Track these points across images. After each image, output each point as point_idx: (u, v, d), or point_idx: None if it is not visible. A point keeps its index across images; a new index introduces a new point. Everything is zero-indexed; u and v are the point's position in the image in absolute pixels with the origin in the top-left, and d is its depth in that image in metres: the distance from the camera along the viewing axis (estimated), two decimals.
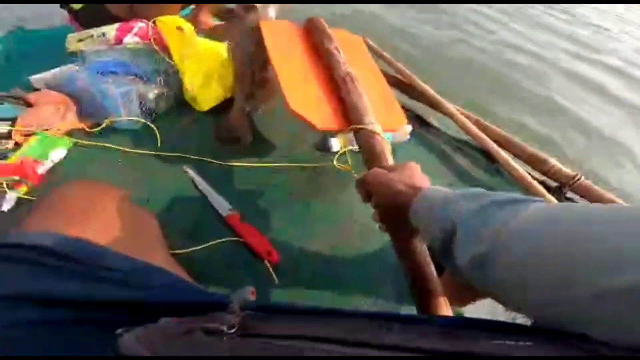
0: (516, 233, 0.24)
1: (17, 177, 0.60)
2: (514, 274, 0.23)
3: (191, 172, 0.67)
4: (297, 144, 0.79)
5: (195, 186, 0.65)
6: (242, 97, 0.74)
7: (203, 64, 0.81)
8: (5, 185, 0.58)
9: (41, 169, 0.62)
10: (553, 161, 0.83)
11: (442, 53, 1.36)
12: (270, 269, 0.56)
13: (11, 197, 0.58)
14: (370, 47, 0.93)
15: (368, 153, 0.54)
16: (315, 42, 0.70)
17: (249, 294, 0.29)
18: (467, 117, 0.90)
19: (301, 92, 0.61)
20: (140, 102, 0.77)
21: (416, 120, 0.94)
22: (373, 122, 0.58)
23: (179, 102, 0.82)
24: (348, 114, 0.59)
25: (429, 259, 0.43)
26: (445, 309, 0.40)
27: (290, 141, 0.79)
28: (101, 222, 0.36)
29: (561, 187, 0.83)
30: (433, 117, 0.95)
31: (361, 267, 0.60)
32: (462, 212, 0.30)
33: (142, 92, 0.77)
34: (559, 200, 0.78)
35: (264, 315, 0.26)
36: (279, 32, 0.71)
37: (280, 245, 0.59)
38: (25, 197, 0.59)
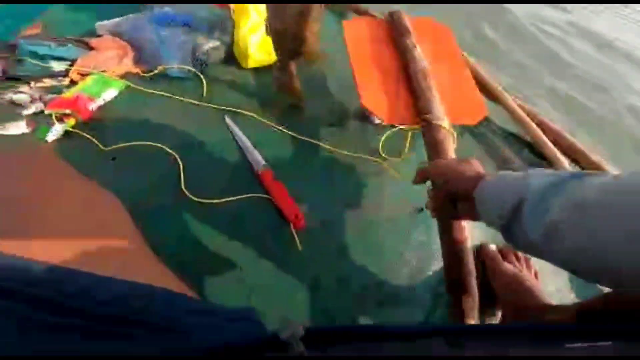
0: (594, 202, 0.25)
1: (68, 111, 0.61)
2: (595, 241, 0.24)
3: (231, 124, 0.64)
4: (340, 110, 0.72)
5: (233, 138, 0.62)
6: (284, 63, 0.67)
7: (259, 24, 0.77)
8: (54, 118, 0.60)
9: (92, 106, 0.63)
10: (602, 163, 0.68)
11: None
12: (295, 235, 0.51)
13: (57, 129, 0.59)
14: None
15: (432, 146, 0.54)
16: (395, 37, 0.70)
17: (301, 329, 0.26)
18: (521, 108, 0.76)
19: (374, 87, 0.62)
20: (194, 53, 0.75)
21: None
22: (441, 117, 0.56)
23: (228, 56, 0.79)
24: (418, 108, 0.59)
25: (470, 255, 0.47)
26: (471, 300, 0.45)
27: (333, 107, 0.72)
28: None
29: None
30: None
31: (387, 249, 0.53)
32: (532, 186, 0.31)
33: (197, 43, 0.76)
34: None
35: (324, 352, 0.25)
36: (360, 30, 0.72)
37: (308, 213, 0.53)
38: (73, 130, 0.60)
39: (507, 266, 0.54)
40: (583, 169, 0.71)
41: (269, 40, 0.76)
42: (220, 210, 0.52)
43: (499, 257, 0.56)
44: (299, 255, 0.50)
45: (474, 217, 0.41)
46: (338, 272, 0.49)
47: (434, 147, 0.54)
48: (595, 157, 0.70)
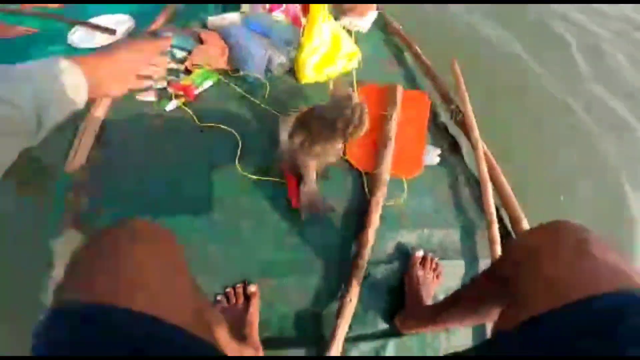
0: None
1: (181, 93, 0.95)
2: None
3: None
4: None
5: (279, 133, 0.93)
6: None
7: (318, 48, 1.03)
8: (173, 95, 0.95)
9: (196, 92, 0.97)
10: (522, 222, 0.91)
11: None
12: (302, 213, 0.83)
13: (174, 103, 0.94)
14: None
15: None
16: (384, 105, 1.02)
17: None
18: (486, 154, 0.99)
19: (357, 143, 0.92)
20: (268, 64, 1.05)
21: (451, 146, 1.06)
22: (384, 171, 0.89)
23: (290, 69, 1.08)
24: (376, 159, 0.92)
25: None
26: None
27: None
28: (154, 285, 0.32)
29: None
30: (467, 147, 1.04)
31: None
32: None
33: (272, 57, 1.05)
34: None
35: None
36: (369, 93, 1.04)
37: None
38: (182, 106, 0.94)
39: (418, 270, 0.82)
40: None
41: (322, 62, 1.04)
42: (257, 183, 0.85)
43: (419, 261, 0.84)
44: (300, 222, 0.82)
45: None
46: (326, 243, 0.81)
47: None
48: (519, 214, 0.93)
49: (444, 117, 1.14)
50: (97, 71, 0.45)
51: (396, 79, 1.16)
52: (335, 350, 0.72)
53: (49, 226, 0.76)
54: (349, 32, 1.22)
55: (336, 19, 1.18)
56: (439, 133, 1.09)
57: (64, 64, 0.41)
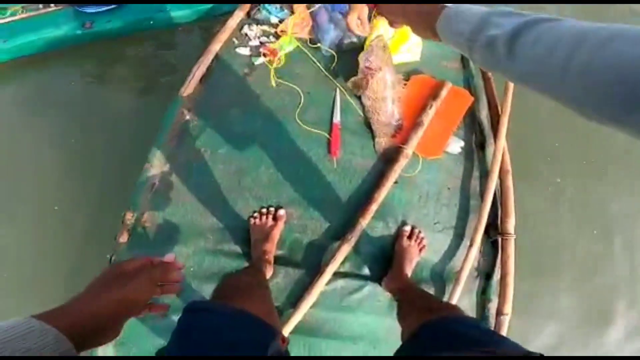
0: (562, 44, 0.33)
1: (268, 52, 1.22)
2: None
3: (338, 94, 1.17)
4: None
5: (334, 99, 1.17)
6: None
7: (388, 35, 1.22)
8: (262, 53, 1.22)
9: (279, 55, 1.23)
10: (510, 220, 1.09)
11: None
12: (335, 162, 1.08)
13: (261, 60, 1.21)
14: None
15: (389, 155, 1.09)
16: (430, 96, 1.19)
17: (281, 342, 0.33)
18: (504, 155, 1.14)
19: None
20: (340, 41, 1.26)
21: (480, 143, 1.20)
22: (410, 147, 1.11)
23: (359, 49, 1.28)
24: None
25: None
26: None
27: None
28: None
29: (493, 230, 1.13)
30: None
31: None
32: (505, 26, 0.38)
33: (345, 36, 1.26)
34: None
35: None
36: (417, 84, 1.20)
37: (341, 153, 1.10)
38: (267, 64, 1.21)
39: (405, 242, 1.05)
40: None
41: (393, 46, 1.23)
42: (308, 134, 1.12)
43: (406, 234, 1.06)
44: (331, 170, 1.08)
45: (431, 36, 0.49)
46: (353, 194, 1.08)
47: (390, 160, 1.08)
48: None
49: (482, 115, 1.27)
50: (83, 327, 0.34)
51: (451, 76, 1.27)
52: (326, 276, 0.98)
53: (158, 131, 1.10)
54: None
55: None
56: (472, 128, 1.24)
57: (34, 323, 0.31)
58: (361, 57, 1.14)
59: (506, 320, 1.09)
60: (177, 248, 1.02)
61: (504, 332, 1.10)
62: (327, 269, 1.00)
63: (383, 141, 1.14)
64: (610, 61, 0.30)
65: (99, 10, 1.43)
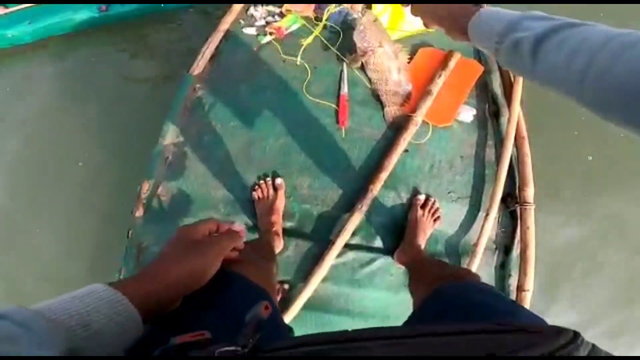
0: (587, 49, 0.33)
1: (274, 31, 1.23)
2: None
3: (345, 67, 1.16)
4: None
5: (341, 72, 1.16)
6: None
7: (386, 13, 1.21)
8: (268, 32, 1.23)
9: (285, 32, 1.24)
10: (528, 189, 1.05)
11: None
12: (343, 132, 1.07)
13: (268, 38, 1.22)
14: None
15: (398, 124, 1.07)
16: (437, 66, 1.16)
17: (262, 309, 0.30)
18: (519, 122, 1.10)
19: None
20: (344, 17, 1.26)
21: (494, 111, 1.16)
22: (420, 113, 1.09)
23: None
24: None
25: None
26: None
27: None
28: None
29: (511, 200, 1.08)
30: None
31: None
32: (534, 29, 0.39)
33: (349, 12, 1.25)
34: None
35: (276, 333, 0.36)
36: (425, 56, 1.18)
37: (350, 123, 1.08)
38: (273, 42, 1.22)
39: (419, 212, 1.01)
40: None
41: (392, 22, 1.22)
42: (316, 105, 1.11)
43: (420, 203, 1.03)
44: (340, 139, 1.07)
45: (463, 39, 0.50)
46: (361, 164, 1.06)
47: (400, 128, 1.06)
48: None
49: (496, 84, 1.23)
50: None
51: (460, 48, 1.23)
52: (337, 249, 0.96)
53: (170, 107, 1.12)
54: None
55: None
56: (485, 98, 1.20)
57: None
58: (356, 37, 1.12)
59: (528, 296, 1.03)
60: (191, 220, 1.03)
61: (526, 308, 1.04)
62: (338, 240, 0.98)
63: (392, 110, 1.12)
64: (631, 66, 0.29)
65: None
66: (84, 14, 1.49)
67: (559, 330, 0.27)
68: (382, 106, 1.13)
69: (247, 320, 0.30)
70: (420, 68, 1.17)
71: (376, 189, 1.01)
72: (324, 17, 1.23)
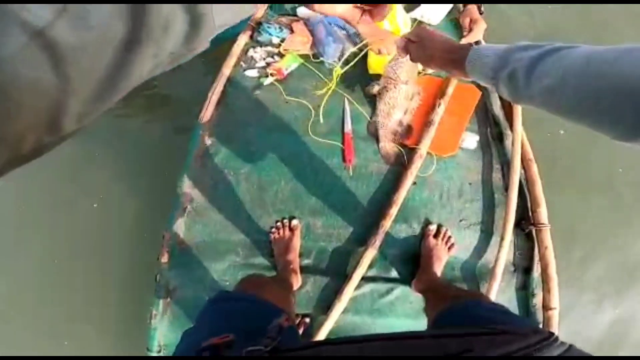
0: (576, 68, 0.36)
1: (275, 72, 1.26)
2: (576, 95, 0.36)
3: (347, 104, 1.19)
4: None
5: (343, 109, 1.19)
6: None
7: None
8: (270, 73, 1.26)
9: (285, 72, 1.27)
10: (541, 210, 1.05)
11: None
12: (350, 170, 1.09)
13: (269, 80, 1.25)
14: None
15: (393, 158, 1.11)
16: (435, 93, 1.18)
17: (284, 319, 0.35)
18: (524, 144, 1.11)
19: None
20: (341, 54, 1.29)
21: (497, 135, 1.17)
22: (423, 145, 1.11)
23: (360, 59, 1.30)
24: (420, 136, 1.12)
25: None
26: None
27: None
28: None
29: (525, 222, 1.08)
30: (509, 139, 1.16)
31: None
32: (523, 59, 0.42)
33: (345, 47, 1.28)
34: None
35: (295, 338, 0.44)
36: (422, 84, 1.18)
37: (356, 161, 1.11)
38: (275, 82, 1.25)
39: (432, 241, 1.03)
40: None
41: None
42: (321, 145, 1.13)
43: (432, 233, 1.05)
44: (347, 177, 1.09)
45: (463, 75, 0.54)
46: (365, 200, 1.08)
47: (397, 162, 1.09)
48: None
49: (497, 107, 1.25)
50: None
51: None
52: (354, 282, 0.98)
53: (184, 156, 1.15)
54: (420, 23, 1.37)
55: (408, 11, 1.34)
56: (486, 122, 1.22)
57: None
58: (388, 67, 1.14)
59: (555, 314, 1.03)
60: (213, 264, 1.06)
61: (554, 327, 1.04)
62: (354, 274, 1.00)
63: (387, 145, 1.13)
64: (616, 82, 0.32)
65: None
66: None
67: (535, 330, 0.30)
68: (376, 141, 1.15)
69: (271, 326, 0.34)
70: (421, 98, 1.19)
71: (387, 223, 1.03)
72: (334, 78, 1.25)
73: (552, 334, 0.30)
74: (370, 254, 1.01)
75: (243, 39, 1.32)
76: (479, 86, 1.22)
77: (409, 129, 1.13)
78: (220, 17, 0.25)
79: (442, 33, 0.60)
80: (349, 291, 0.99)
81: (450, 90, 1.18)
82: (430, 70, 1.22)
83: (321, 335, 0.97)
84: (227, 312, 0.50)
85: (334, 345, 0.32)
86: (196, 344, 0.35)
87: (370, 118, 1.19)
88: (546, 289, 1.05)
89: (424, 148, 1.09)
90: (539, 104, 0.42)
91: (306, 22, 1.37)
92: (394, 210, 1.04)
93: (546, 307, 1.04)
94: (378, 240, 1.02)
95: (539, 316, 1.05)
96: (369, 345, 0.32)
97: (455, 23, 1.50)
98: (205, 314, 0.52)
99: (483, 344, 0.29)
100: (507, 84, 0.45)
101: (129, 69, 0.22)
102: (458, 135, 1.14)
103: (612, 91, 0.32)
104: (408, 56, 0.64)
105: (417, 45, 0.61)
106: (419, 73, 1.22)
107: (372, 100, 1.21)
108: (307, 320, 1.04)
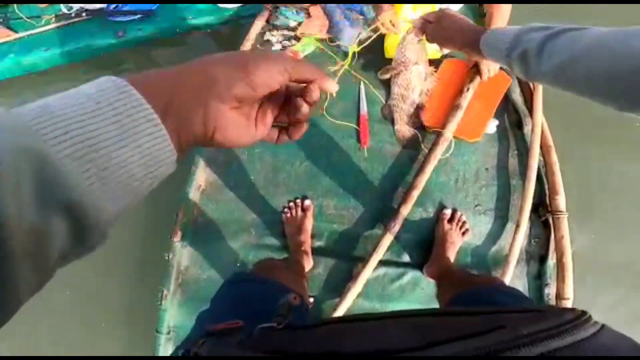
0: (582, 48, 0.38)
1: (291, 55, 1.26)
2: (589, 71, 0.38)
3: (362, 87, 1.19)
4: None
5: (359, 93, 1.18)
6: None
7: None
8: None
9: (301, 55, 1.27)
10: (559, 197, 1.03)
11: None
12: (365, 150, 1.08)
13: None
14: None
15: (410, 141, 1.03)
16: (462, 77, 1.11)
17: (292, 297, 0.35)
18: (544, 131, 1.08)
19: (435, 105, 1.09)
20: (358, 35, 1.28)
21: (516, 121, 1.15)
22: (449, 129, 1.05)
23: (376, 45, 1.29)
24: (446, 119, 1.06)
25: None
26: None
27: None
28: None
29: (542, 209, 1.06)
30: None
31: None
32: (535, 39, 0.44)
33: (360, 31, 1.27)
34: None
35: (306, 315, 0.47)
36: (450, 67, 1.14)
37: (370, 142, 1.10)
38: None
39: (446, 226, 1.01)
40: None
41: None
42: (337, 126, 1.13)
43: (447, 217, 1.03)
44: (362, 158, 1.09)
45: (477, 56, 0.57)
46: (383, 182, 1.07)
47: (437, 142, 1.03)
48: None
49: (516, 94, 1.22)
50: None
51: None
52: (372, 265, 0.96)
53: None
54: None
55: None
56: (505, 108, 1.19)
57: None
58: (397, 51, 1.12)
59: (568, 304, 1.01)
60: (225, 244, 1.07)
61: None
62: (372, 258, 0.97)
63: (402, 128, 1.11)
64: (627, 59, 0.34)
65: (130, 19, 1.54)
66: (101, 39, 1.51)
67: (567, 309, 0.29)
68: (392, 123, 1.13)
69: (280, 304, 0.34)
70: (446, 80, 1.15)
71: (407, 209, 1.00)
72: (349, 56, 1.23)
73: (585, 312, 0.28)
74: (388, 239, 0.98)
75: (260, 22, 1.32)
76: (506, 72, 1.19)
77: (422, 109, 1.10)
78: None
79: (459, 15, 0.61)
80: (366, 275, 0.96)
81: (475, 74, 1.13)
82: (445, 51, 1.19)
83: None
84: (239, 295, 0.51)
85: (355, 322, 0.31)
86: (204, 328, 0.33)
87: (386, 101, 1.18)
88: (560, 279, 1.03)
89: (449, 132, 1.05)
90: (550, 81, 0.45)
91: (324, 7, 1.37)
92: (414, 194, 1.00)
93: (560, 297, 1.02)
94: (398, 225, 0.99)
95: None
96: (392, 322, 0.30)
97: (474, 8, 1.48)
98: (218, 296, 0.53)
99: (514, 320, 0.27)
100: (519, 63, 0.47)
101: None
102: (485, 121, 1.10)
103: (623, 68, 0.34)
104: (417, 37, 0.68)
105: (435, 25, 0.63)
106: (443, 57, 1.20)
107: (388, 84, 1.19)
108: (311, 300, 1.04)
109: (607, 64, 0.36)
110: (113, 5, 1.54)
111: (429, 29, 0.64)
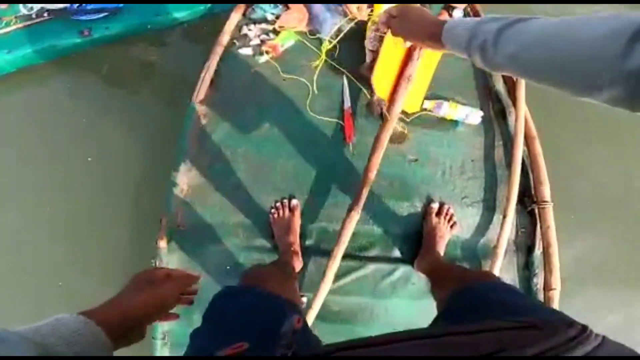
0: (532, 38, 0.41)
1: (270, 49, 1.22)
2: (537, 57, 0.40)
3: (345, 81, 1.16)
4: None
5: (342, 86, 1.15)
6: None
7: None
8: (265, 51, 1.21)
9: (280, 49, 1.23)
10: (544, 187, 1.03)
11: None
12: (351, 147, 1.06)
13: (265, 57, 1.21)
14: None
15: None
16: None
17: (296, 321, 0.34)
18: (527, 121, 1.08)
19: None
20: (339, 27, 1.25)
21: (499, 111, 1.15)
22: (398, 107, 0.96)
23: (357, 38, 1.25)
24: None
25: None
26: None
27: None
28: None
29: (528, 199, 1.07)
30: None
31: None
32: (491, 31, 0.46)
33: (341, 22, 1.24)
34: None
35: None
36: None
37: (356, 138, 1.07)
38: (271, 60, 1.21)
39: (434, 219, 1.00)
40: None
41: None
42: (320, 122, 1.09)
43: (434, 211, 1.02)
44: (348, 155, 1.06)
45: (440, 49, 0.57)
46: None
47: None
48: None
49: (499, 84, 1.21)
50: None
51: None
52: (338, 255, 0.89)
53: (180, 135, 1.11)
54: None
55: None
56: (489, 99, 1.18)
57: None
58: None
59: (556, 294, 1.02)
60: (214, 247, 1.03)
61: (554, 307, 1.03)
62: (336, 248, 0.90)
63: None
64: (566, 48, 0.36)
65: (95, 17, 1.47)
66: (66, 39, 1.45)
67: (570, 324, 0.29)
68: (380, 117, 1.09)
69: (283, 331, 0.33)
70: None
71: (365, 190, 0.92)
72: (322, 51, 1.20)
73: (586, 327, 0.28)
74: (350, 220, 0.91)
75: (236, 16, 1.27)
76: None
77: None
78: None
79: (422, 8, 0.61)
80: (333, 268, 0.90)
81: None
82: (408, 43, 1.15)
83: (312, 315, 0.91)
84: (235, 311, 0.49)
85: (365, 348, 0.31)
86: (206, 351, 0.35)
87: (370, 95, 1.15)
88: (547, 269, 1.04)
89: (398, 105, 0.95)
90: (507, 70, 0.47)
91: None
92: (371, 175, 0.93)
93: (547, 287, 1.03)
94: (358, 207, 0.91)
95: (540, 297, 1.04)
96: (404, 345, 0.31)
97: None
98: (211, 314, 0.51)
99: (516, 341, 0.28)
100: (479, 54, 0.48)
101: None
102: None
103: (563, 56, 0.36)
104: (382, 32, 0.68)
105: (398, 19, 0.63)
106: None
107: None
108: (303, 300, 1.02)
109: (549, 55, 0.38)
110: (76, 5, 1.46)
111: (393, 23, 0.64)
